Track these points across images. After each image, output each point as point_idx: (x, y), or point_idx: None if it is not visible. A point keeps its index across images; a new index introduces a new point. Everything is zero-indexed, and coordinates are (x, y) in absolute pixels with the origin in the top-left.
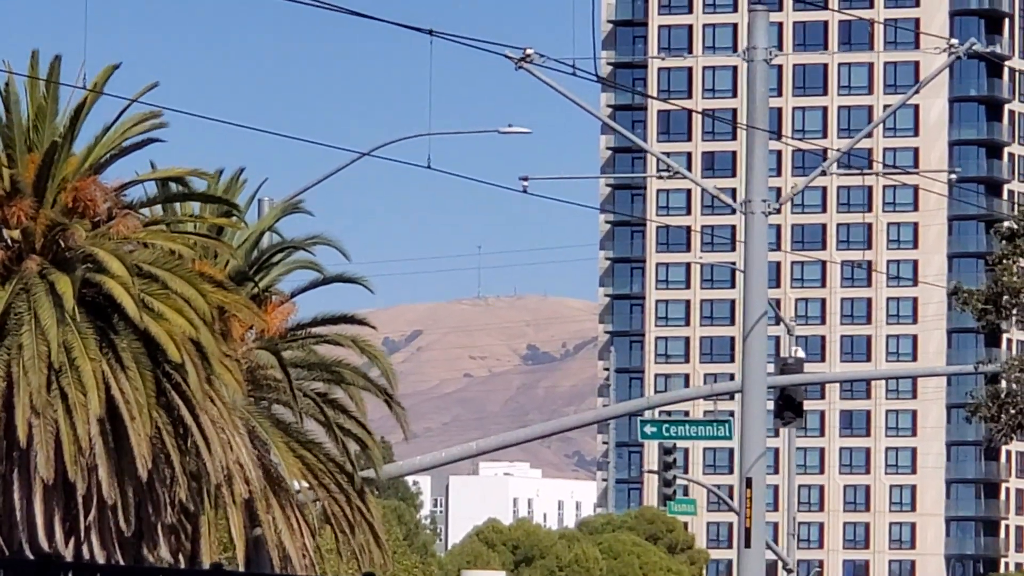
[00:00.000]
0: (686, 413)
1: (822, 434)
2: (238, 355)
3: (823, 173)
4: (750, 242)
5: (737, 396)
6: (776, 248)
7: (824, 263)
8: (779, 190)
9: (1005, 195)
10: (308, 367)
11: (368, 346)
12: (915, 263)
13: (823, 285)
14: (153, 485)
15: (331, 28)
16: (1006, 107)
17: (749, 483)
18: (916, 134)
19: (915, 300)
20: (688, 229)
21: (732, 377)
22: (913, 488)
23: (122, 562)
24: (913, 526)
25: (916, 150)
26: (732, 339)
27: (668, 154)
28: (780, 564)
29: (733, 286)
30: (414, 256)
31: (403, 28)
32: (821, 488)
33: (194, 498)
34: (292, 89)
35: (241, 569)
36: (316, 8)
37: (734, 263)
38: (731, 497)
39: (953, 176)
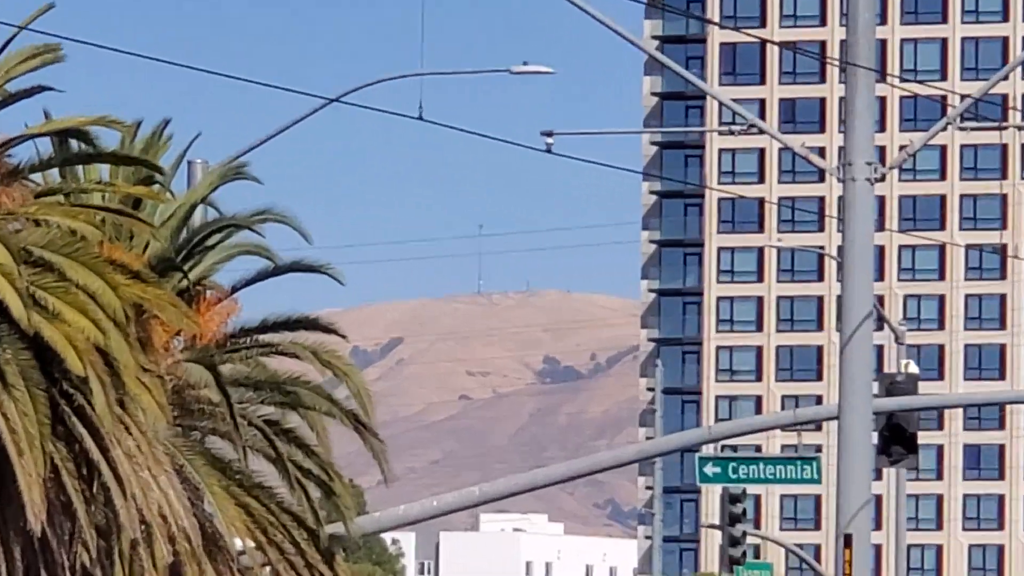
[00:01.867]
0: (758, 448)
1: (940, 477)
2: (161, 369)
3: (945, 127)
4: (850, 219)
5: (828, 426)
6: (880, 228)
7: (943, 247)
8: (882, 149)
9: None
10: (255, 386)
11: (334, 358)
12: None
13: (942, 277)
14: (48, 543)
15: None
16: None
17: (848, 541)
18: None
19: None
20: (761, 202)
21: (820, 400)
22: None
23: None
24: None
25: None
26: (819, 349)
27: (735, 101)
28: None
29: (822, 278)
30: (395, 239)
31: None
32: (939, 549)
33: (102, 560)
34: (236, 19)
35: None
36: None
37: (823, 247)
38: (819, 559)
39: None
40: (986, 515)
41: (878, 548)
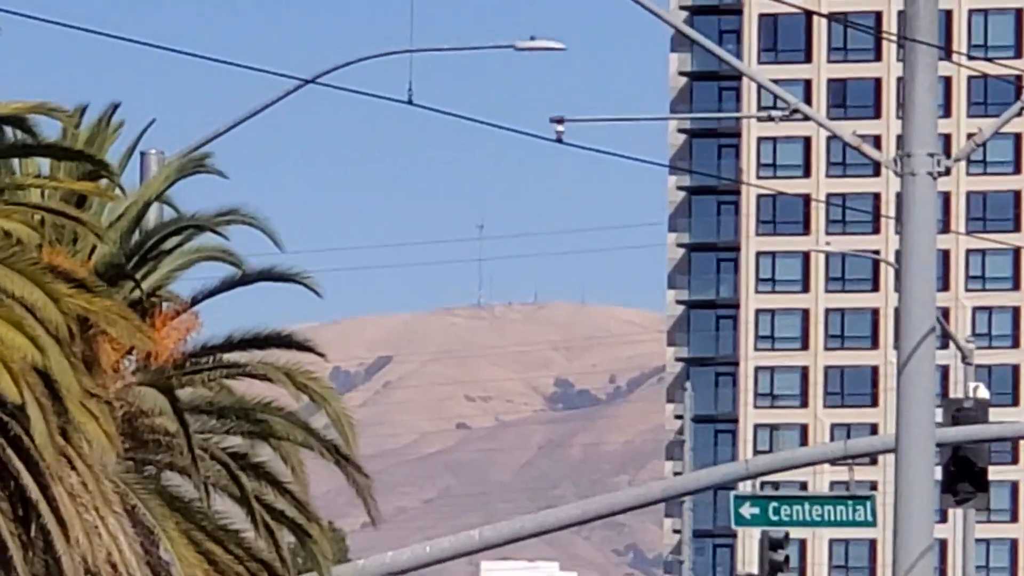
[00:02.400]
0: (803, 486)
1: (1015, 519)
2: (110, 394)
3: (1020, 112)
4: (909, 219)
5: (884, 459)
6: (945, 229)
7: (1017, 251)
8: (947, 138)
9: None
10: (219, 413)
11: (311, 381)
12: None
13: (1017, 286)
14: None
15: None
16: None
17: None
18: None
19: None
20: (806, 199)
21: (875, 430)
22: None
23: None
24: None
25: None
26: (874, 370)
27: (775, 83)
28: None
29: (877, 288)
30: (382, 243)
31: None
32: None
33: None
34: None
35: None
36: None
37: (878, 252)
38: None
39: None
40: None
41: None
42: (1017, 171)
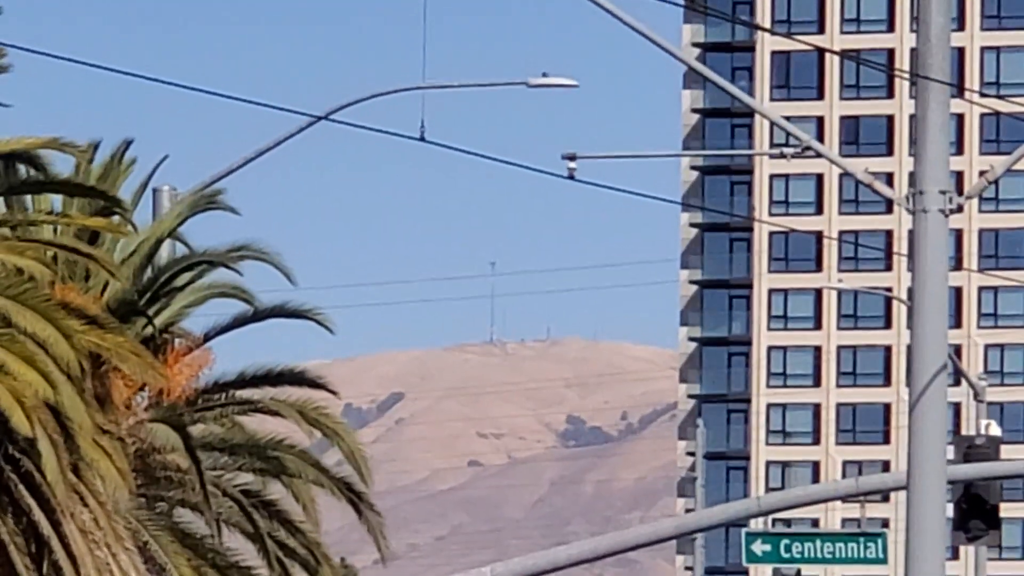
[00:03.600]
0: (814, 522)
1: None
2: (122, 430)
3: None
4: (921, 256)
5: (896, 497)
6: (957, 266)
7: None
8: (960, 176)
9: None
10: (231, 450)
11: (323, 417)
12: None
13: None
14: None
15: None
16: None
17: None
18: None
19: None
20: (819, 236)
21: (887, 467)
22: None
23: None
24: None
25: None
26: (887, 407)
27: (788, 120)
28: None
29: (889, 325)
30: (393, 279)
31: None
32: None
33: None
34: (210, 27)
35: None
36: None
37: (890, 289)
38: None
39: None
40: None
41: None
42: None
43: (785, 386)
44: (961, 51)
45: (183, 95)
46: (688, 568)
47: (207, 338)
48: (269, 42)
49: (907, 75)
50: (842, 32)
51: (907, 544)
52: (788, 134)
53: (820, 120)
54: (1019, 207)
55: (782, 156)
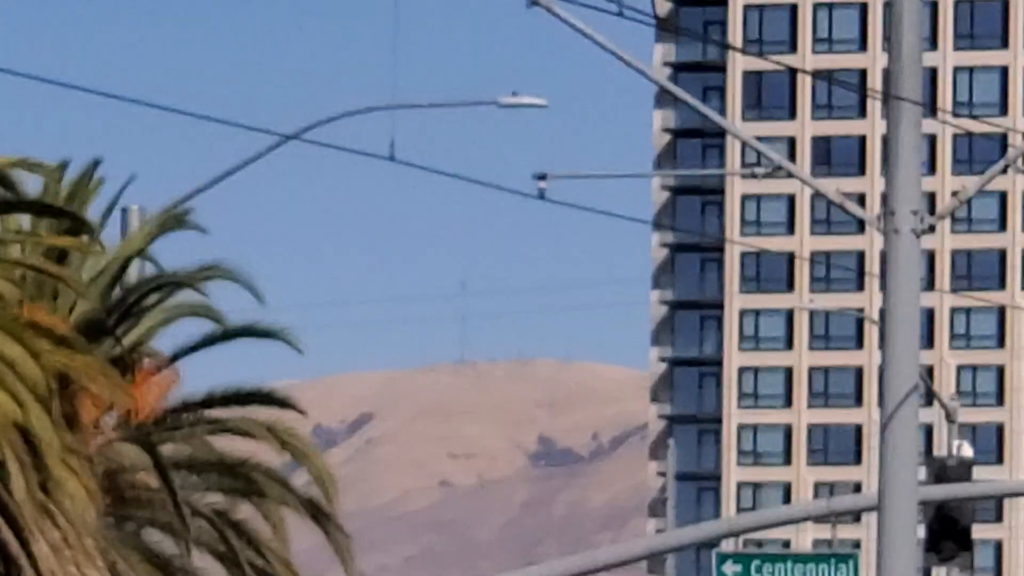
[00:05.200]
0: (786, 543)
1: None
2: (90, 450)
3: (1004, 170)
4: (892, 277)
5: (868, 518)
6: (930, 287)
7: (1003, 309)
8: (932, 196)
9: None
10: (200, 469)
11: (292, 438)
12: None
13: (1001, 345)
14: None
15: None
16: None
17: None
18: None
19: None
20: (790, 257)
21: (859, 488)
22: None
23: None
24: None
25: None
26: (858, 428)
27: (759, 140)
28: None
29: (861, 346)
30: (363, 298)
31: None
32: None
33: None
34: (177, 46)
35: None
36: None
37: (862, 310)
38: None
39: None
40: None
41: None
42: (1002, 229)
43: (756, 407)
44: (934, 71)
45: (152, 114)
46: None
47: (175, 358)
48: (238, 61)
49: (879, 95)
50: (814, 52)
51: (877, 565)
52: (760, 154)
53: (792, 140)
54: (992, 228)
55: (753, 176)
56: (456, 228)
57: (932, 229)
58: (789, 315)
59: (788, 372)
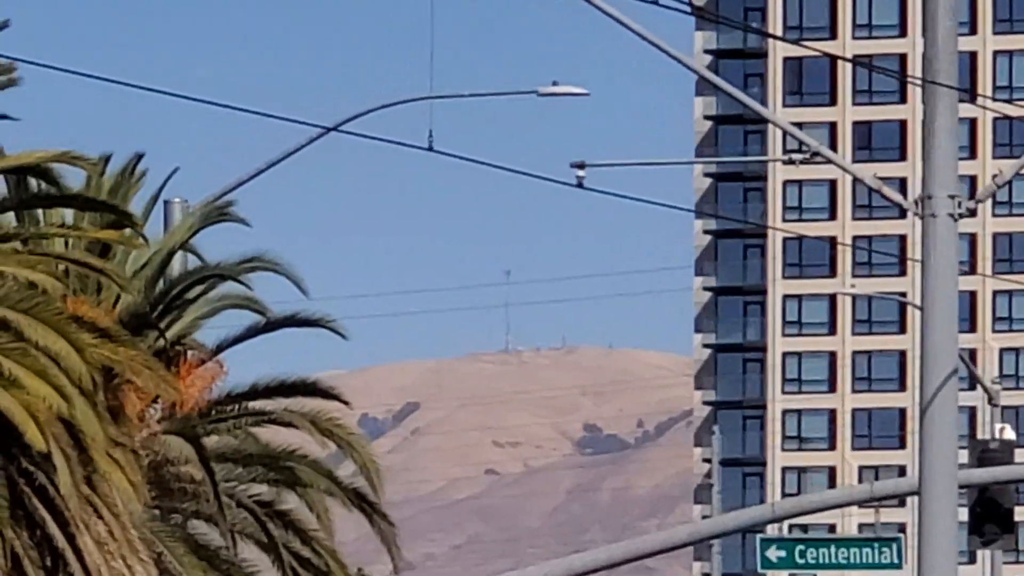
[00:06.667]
0: (831, 528)
1: None
2: (135, 443)
3: None
4: (930, 261)
5: (911, 502)
6: (971, 271)
7: None
8: (973, 180)
9: None
10: (244, 461)
11: (337, 428)
12: None
13: None
14: None
15: None
16: None
17: None
18: None
19: None
20: (832, 242)
21: (903, 472)
22: None
23: None
24: None
25: None
26: (902, 412)
27: (800, 126)
28: None
29: (903, 330)
30: (407, 289)
31: None
32: None
33: None
34: (218, 40)
35: None
36: None
37: (904, 294)
38: None
39: None
40: None
41: None
42: None
43: (800, 392)
44: (973, 55)
45: (193, 108)
46: (705, 574)
47: (219, 349)
48: (278, 54)
49: (917, 80)
50: (854, 38)
51: (919, 548)
52: (800, 141)
53: (832, 126)
54: None
55: (791, 162)
56: (499, 218)
57: (972, 213)
58: (831, 300)
59: (831, 357)
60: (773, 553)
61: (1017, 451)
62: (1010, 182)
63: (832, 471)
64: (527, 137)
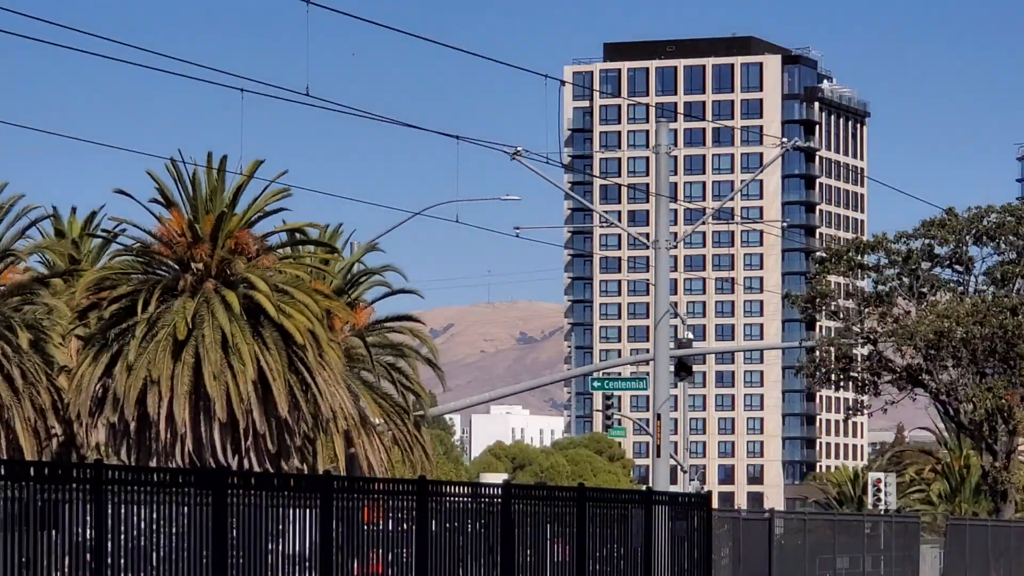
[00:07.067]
0: (619, 373)
1: (704, 385)
2: (339, 340)
3: (703, 223)
4: (658, 267)
5: (651, 362)
6: (675, 269)
7: (704, 280)
8: (675, 234)
9: (817, 236)
10: (382, 347)
11: (419, 333)
12: (761, 279)
13: (704, 292)
14: (287, 421)
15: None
16: (817, 181)
17: (659, 417)
18: (761, 197)
19: (761, 302)
20: (619, 259)
21: (648, 351)
22: (761, 420)
23: (270, 469)
24: (761, 444)
25: (761, 208)
26: (648, 328)
27: (607, 212)
28: (679, 468)
29: (648, 293)
30: (450, 276)
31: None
32: (704, 420)
33: (313, 429)
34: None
35: (343, 474)
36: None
37: (648, 279)
38: (648, 426)
39: (785, 224)
40: (726, 405)
41: (675, 420)
42: (704, 246)
43: (607, 318)
44: (675, 185)
45: (362, 204)
46: (568, 392)
47: (372, 302)
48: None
49: (653, 193)
50: (629, 175)
51: (654, 381)
52: (606, 219)
53: (619, 212)
54: (698, 247)
55: (605, 225)
56: (485, 247)
57: (675, 246)
58: (619, 282)
59: (619, 306)
60: (596, 384)
61: (694, 343)
62: (690, 235)
63: (619, 351)
64: (492, 214)
